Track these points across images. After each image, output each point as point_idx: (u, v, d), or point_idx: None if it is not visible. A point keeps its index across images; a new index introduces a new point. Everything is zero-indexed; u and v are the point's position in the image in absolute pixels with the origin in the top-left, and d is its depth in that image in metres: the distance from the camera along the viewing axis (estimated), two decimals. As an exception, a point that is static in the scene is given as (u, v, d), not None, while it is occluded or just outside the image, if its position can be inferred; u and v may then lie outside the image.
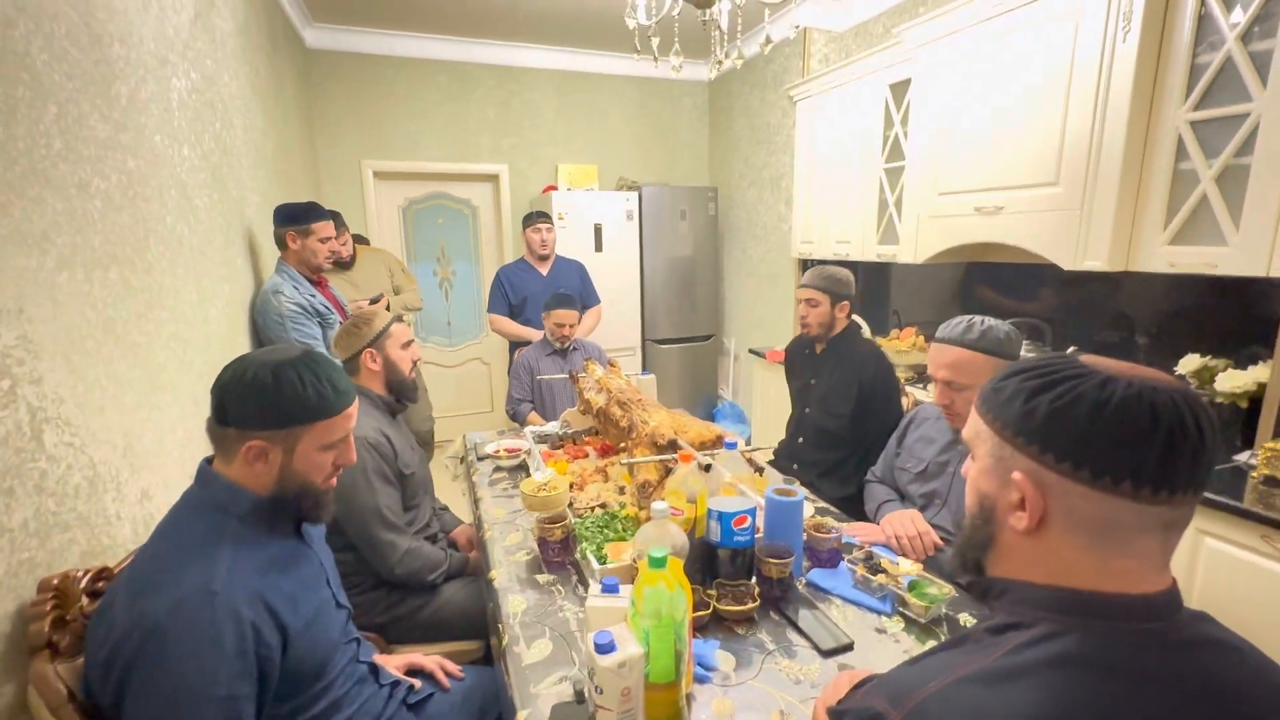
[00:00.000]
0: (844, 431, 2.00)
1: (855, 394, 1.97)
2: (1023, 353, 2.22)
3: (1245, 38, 1.57)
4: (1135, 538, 0.52)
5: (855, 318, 3.25)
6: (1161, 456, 0.50)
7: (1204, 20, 1.65)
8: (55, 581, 0.89)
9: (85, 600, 0.93)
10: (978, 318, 1.40)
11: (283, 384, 0.92)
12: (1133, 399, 0.51)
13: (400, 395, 1.69)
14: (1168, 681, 0.50)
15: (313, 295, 2.15)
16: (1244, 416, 1.75)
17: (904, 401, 2.14)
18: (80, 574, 0.94)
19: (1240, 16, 1.57)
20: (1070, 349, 2.23)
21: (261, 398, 0.91)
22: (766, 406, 3.65)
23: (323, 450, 0.97)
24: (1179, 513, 0.52)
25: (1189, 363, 1.86)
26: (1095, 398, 0.52)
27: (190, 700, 0.79)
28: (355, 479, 1.46)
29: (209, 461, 0.97)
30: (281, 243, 2.14)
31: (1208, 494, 1.49)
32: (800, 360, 2.23)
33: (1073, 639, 0.51)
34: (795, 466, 2.14)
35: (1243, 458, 1.65)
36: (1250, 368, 1.74)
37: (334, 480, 1.02)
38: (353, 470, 1.42)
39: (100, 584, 0.96)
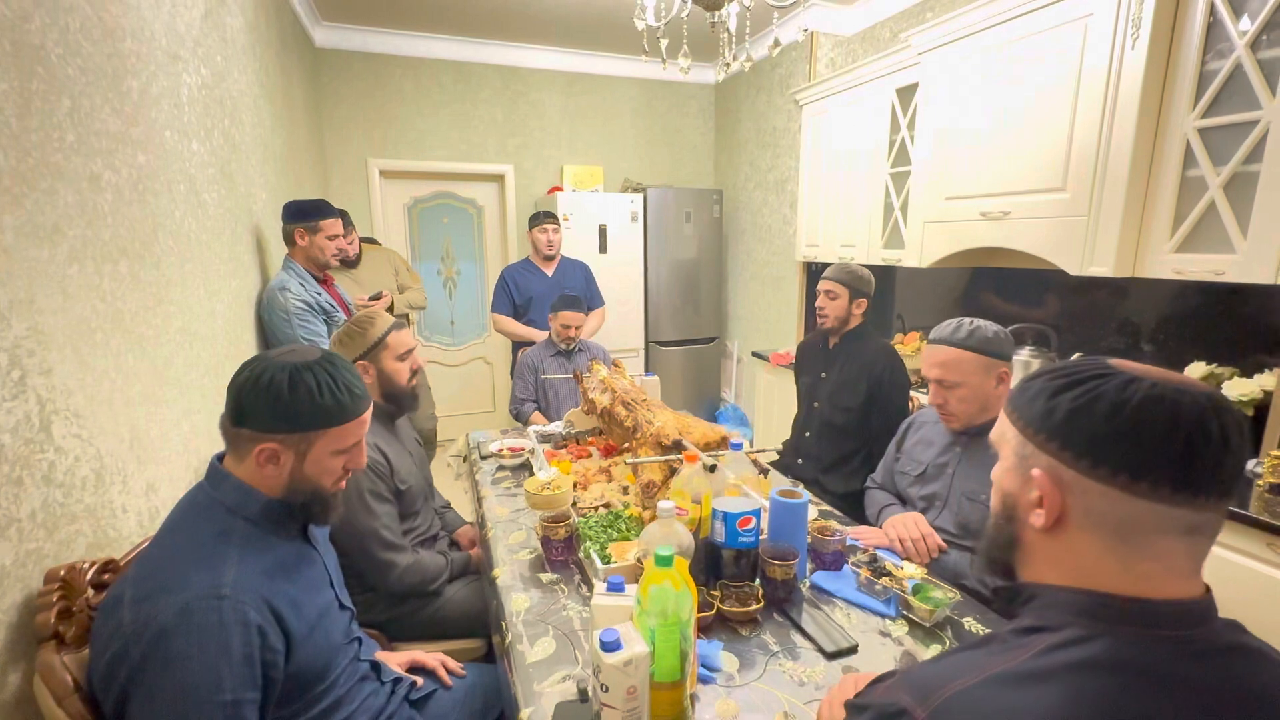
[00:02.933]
0: (852, 426, 2.03)
1: (865, 388, 2.01)
2: (1024, 357, 2.24)
3: (1254, 45, 1.57)
4: (1155, 539, 0.52)
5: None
6: (1180, 456, 0.49)
7: (1213, 27, 1.65)
8: (62, 573, 0.90)
9: (91, 592, 0.93)
10: (968, 319, 1.44)
11: (299, 389, 0.91)
12: (1154, 399, 0.50)
13: (398, 404, 1.62)
14: (1197, 688, 0.49)
15: (319, 293, 2.15)
16: (1250, 424, 1.74)
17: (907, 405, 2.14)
18: (86, 565, 0.94)
19: (1249, 24, 1.57)
20: (1074, 355, 2.22)
21: (277, 401, 0.90)
22: (769, 410, 3.64)
23: (335, 455, 0.97)
24: (1203, 518, 0.51)
25: (1195, 370, 1.86)
26: (1116, 397, 0.52)
27: (195, 704, 0.79)
28: (351, 502, 1.41)
29: (220, 459, 0.97)
30: (290, 239, 2.15)
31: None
32: (812, 355, 2.26)
33: (1101, 644, 0.51)
34: (800, 461, 2.15)
35: (1249, 466, 1.64)
36: (1256, 376, 1.74)
37: (343, 484, 1.02)
38: (348, 493, 1.38)
39: (106, 576, 0.96)
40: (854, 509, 1.80)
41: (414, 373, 1.62)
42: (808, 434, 2.16)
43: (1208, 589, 0.55)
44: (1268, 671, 0.52)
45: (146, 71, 1.40)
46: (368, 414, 1.01)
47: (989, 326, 1.41)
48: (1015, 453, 0.59)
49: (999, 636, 0.58)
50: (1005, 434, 0.61)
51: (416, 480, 1.62)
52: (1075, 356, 0.60)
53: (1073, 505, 0.54)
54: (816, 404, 2.16)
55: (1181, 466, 0.50)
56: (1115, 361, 0.57)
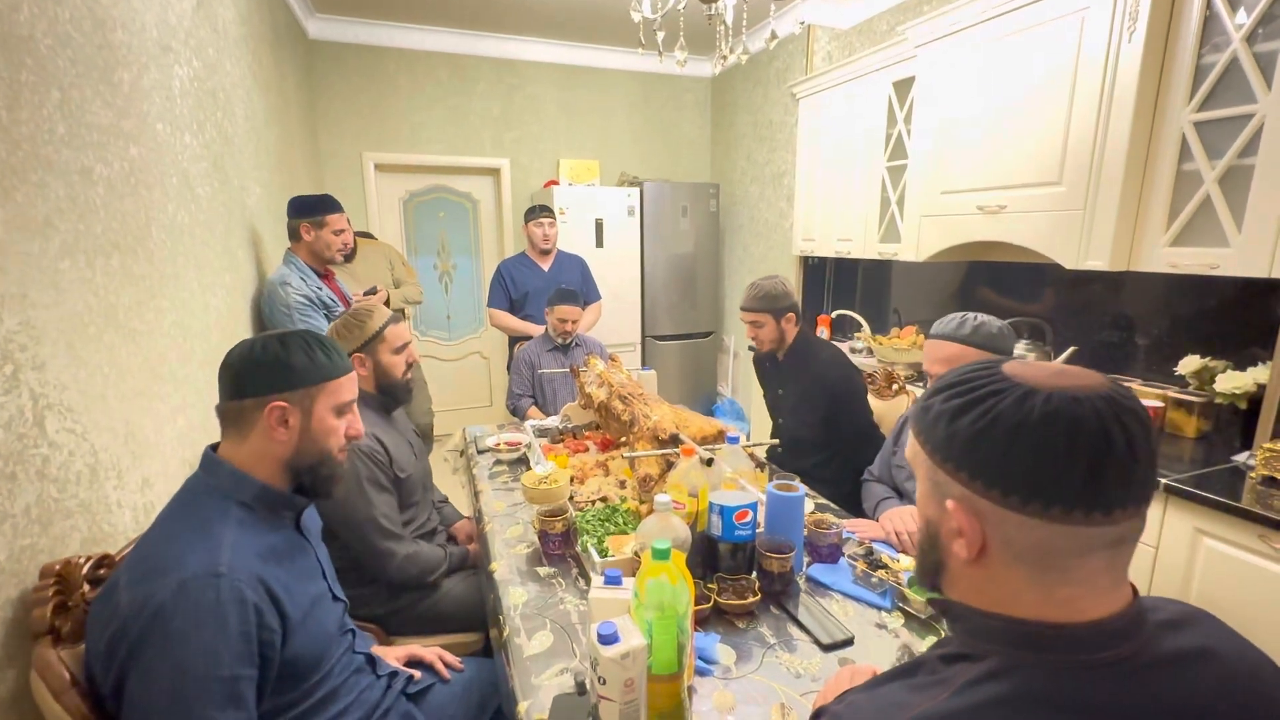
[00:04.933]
0: (818, 438, 2.01)
1: (823, 401, 1.99)
2: (1019, 351, 2.25)
3: (1250, 39, 1.57)
4: (1077, 562, 0.49)
5: (852, 313, 3.27)
6: (1087, 478, 0.47)
7: (1209, 21, 1.65)
8: (57, 568, 0.89)
9: (87, 587, 0.93)
10: (971, 314, 1.43)
11: (292, 348, 0.97)
12: (1050, 416, 0.48)
13: (393, 396, 1.62)
14: (1121, 714, 0.47)
15: (320, 288, 2.15)
16: (1243, 417, 1.75)
17: (904, 399, 2.15)
18: (82, 560, 0.94)
19: (1245, 18, 1.57)
20: (1070, 349, 2.24)
21: (276, 363, 0.96)
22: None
23: (336, 414, 1.02)
24: (1123, 528, 0.49)
25: (1189, 363, 1.87)
26: (1013, 417, 0.49)
27: (193, 680, 0.79)
28: (349, 490, 1.42)
29: (214, 449, 0.98)
30: (295, 234, 2.14)
31: (1206, 494, 1.49)
32: (764, 373, 2.24)
33: (1020, 677, 0.49)
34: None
35: (1241, 458, 1.65)
36: (1250, 369, 1.75)
37: (345, 453, 1.06)
38: (347, 481, 1.38)
39: (101, 571, 0.96)
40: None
41: (409, 366, 1.64)
42: (780, 450, 2.16)
43: (1135, 592, 0.53)
44: (1209, 673, 0.50)
45: (138, 63, 1.39)
46: (354, 374, 1.07)
47: (993, 322, 1.41)
48: (928, 478, 0.56)
49: (927, 664, 0.57)
50: (916, 455, 0.58)
51: (416, 469, 1.63)
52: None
53: (991, 535, 0.52)
54: (781, 420, 2.16)
55: (1090, 488, 0.47)
56: (1009, 368, 0.53)
